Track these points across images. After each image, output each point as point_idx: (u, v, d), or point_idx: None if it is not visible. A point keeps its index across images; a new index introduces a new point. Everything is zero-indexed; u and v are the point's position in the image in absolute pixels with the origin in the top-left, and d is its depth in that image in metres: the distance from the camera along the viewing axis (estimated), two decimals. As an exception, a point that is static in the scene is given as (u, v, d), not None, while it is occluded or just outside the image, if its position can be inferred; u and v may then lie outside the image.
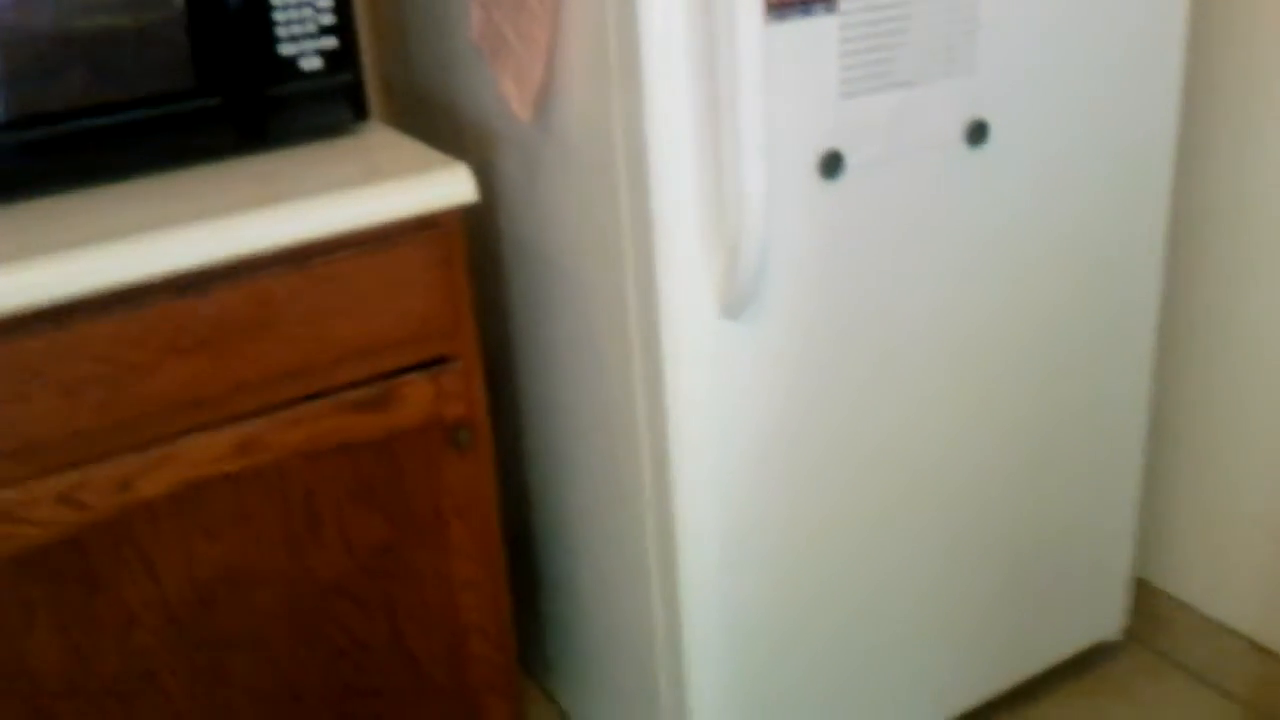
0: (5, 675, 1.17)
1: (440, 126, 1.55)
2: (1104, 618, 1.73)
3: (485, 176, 1.47)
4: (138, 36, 1.22)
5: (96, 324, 1.11)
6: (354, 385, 1.26)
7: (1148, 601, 1.81)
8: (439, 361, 1.30)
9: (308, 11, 1.28)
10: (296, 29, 1.28)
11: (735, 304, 1.20)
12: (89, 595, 1.20)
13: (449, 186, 1.24)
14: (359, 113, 1.34)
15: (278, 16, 1.27)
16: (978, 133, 1.30)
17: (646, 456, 1.31)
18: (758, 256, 1.16)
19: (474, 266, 1.47)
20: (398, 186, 1.22)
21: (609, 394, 1.34)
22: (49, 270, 1.08)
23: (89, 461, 1.15)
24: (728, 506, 1.31)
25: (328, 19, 1.29)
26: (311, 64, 1.30)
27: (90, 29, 1.20)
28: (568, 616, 1.62)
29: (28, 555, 1.15)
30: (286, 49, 1.28)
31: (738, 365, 1.25)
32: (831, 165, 1.22)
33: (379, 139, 1.36)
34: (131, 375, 1.14)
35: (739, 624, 1.37)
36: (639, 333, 1.24)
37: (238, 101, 1.27)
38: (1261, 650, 1.67)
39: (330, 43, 1.30)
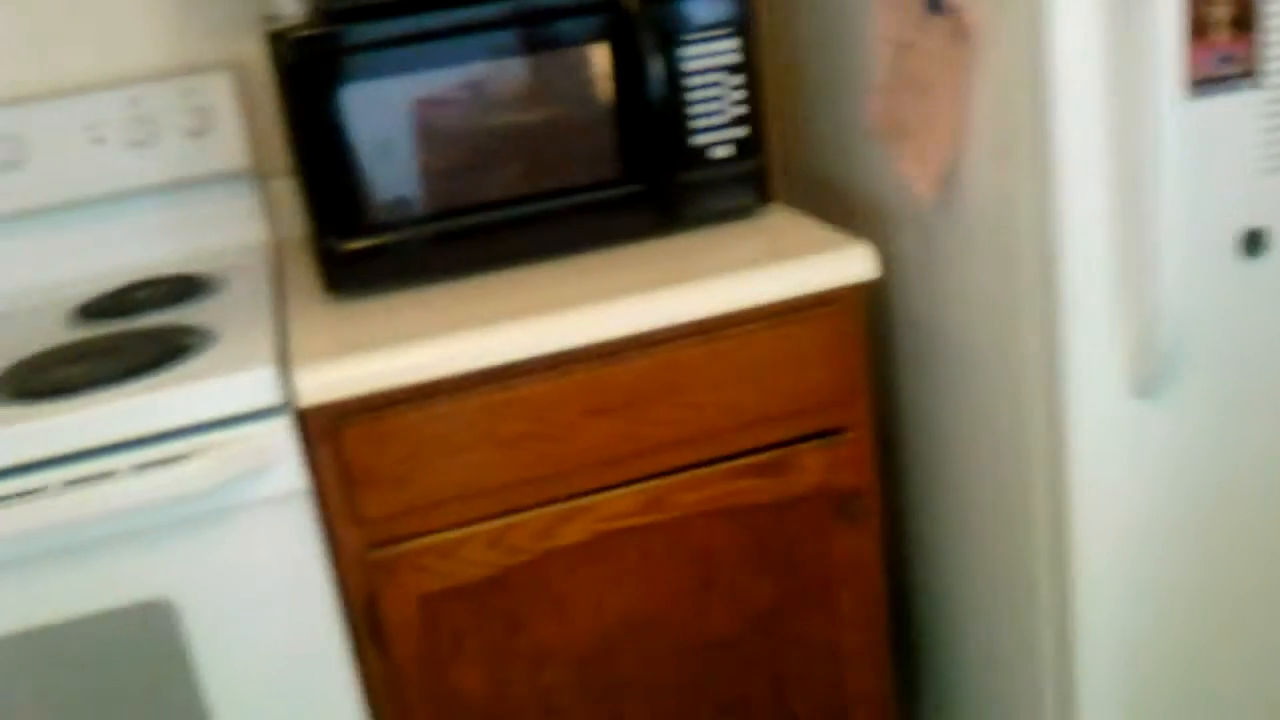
0: (432, 694, 1.32)
1: (836, 207, 1.61)
2: None
3: (881, 255, 1.51)
4: (571, 130, 1.37)
5: (531, 386, 1.25)
6: (753, 451, 1.33)
7: None
8: (834, 432, 1.35)
9: (722, 104, 1.38)
10: (711, 120, 1.39)
11: (1148, 383, 1.17)
12: (509, 631, 1.32)
13: (850, 265, 1.30)
14: (763, 196, 1.43)
15: (694, 110, 1.38)
16: None
17: (1044, 544, 1.28)
18: (1172, 335, 1.13)
19: (869, 343, 1.51)
20: (800, 265, 1.29)
21: (1004, 473, 1.33)
22: (494, 338, 1.22)
23: (518, 510, 1.28)
24: (1132, 606, 1.26)
25: (739, 110, 1.39)
26: (722, 152, 1.40)
27: (530, 123, 1.36)
28: (949, 696, 1.60)
29: (461, 590, 1.29)
30: (700, 139, 1.39)
31: (1146, 446, 1.21)
32: (1253, 243, 1.17)
33: (782, 220, 1.43)
34: (557, 433, 1.27)
35: (1135, 721, 1.30)
36: (1042, 412, 1.23)
37: (656, 188, 1.39)
38: None
39: (740, 132, 1.40)
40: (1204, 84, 1.11)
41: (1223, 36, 1.11)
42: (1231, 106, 1.13)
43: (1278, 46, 1.12)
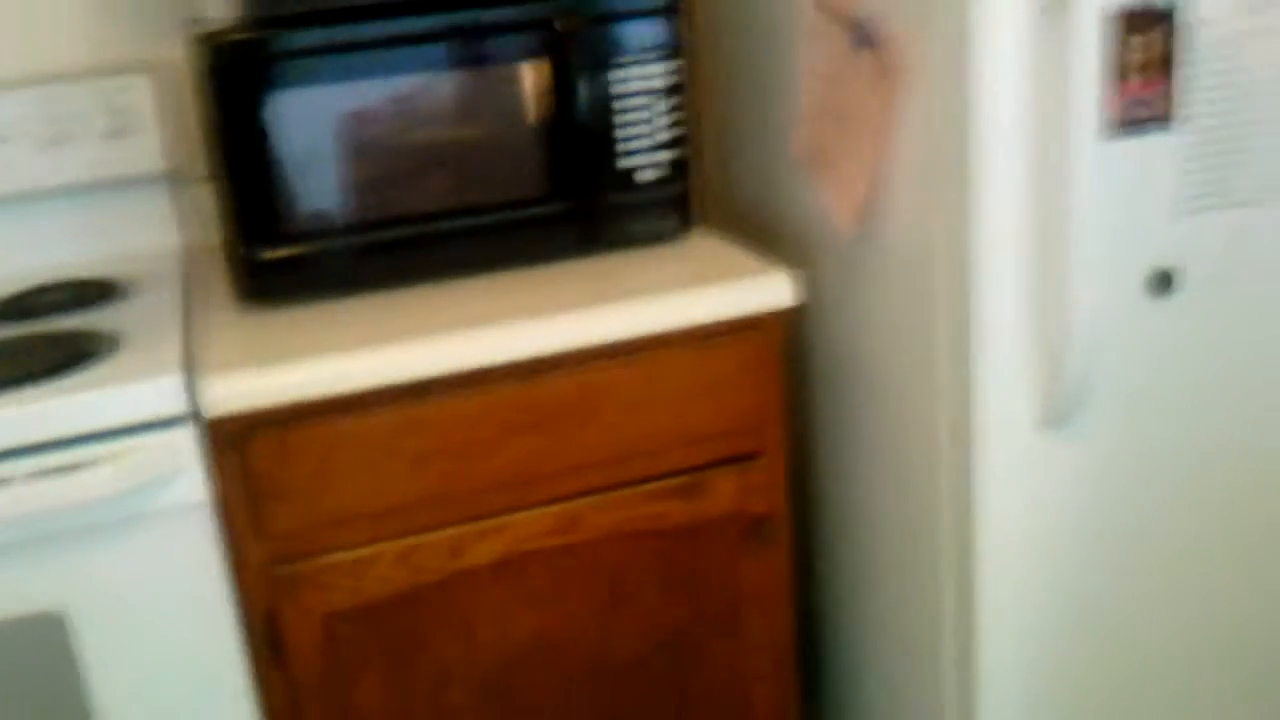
0: (333, 713, 1.29)
1: (761, 234, 1.62)
2: None
3: (802, 283, 1.52)
4: (500, 147, 1.36)
5: (447, 403, 1.23)
6: (668, 475, 1.32)
7: None
8: (747, 457, 1.35)
9: (651, 128, 1.39)
10: (639, 143, 1.39)
11: (1056, 416, 1.19)
12: (414, 651, 1.30)
13: (771, 292, 1.30)
14: (689, 220, 1.43)
15: (623, 132, 1.38)
16: (1322, 257, 1.25)
17: (950, 574, 1.30)
18: (1083, 369, 1.15)
19: (786, 369, 1.51)
20: (722, 290, 1.29)
21: (912, 500, 1.34)
22: (408, 353, 1.21)
23: (427, 528, 1.26)
24: (1032, 629, 1.28)
25: (668, 134, 1.39)
26: (650, 175, 1.40)
27: (460, 138, 1.35)
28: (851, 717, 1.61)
29: (367, 609, 1.26)
30: (627, 161, 1.39)
31: (1051, 478, 1.23)
32: (1163, 283, 1.20)
33: (706, 245, 1.44)
34: (472, 451, 1.25)
35: (1037, 753, 1.32)
36: (949, 440, 1.25)
37: (582, 207, 1.38)
38: None
39: (668, 156, 1.40)
40: (1122, 126, 1.14)
41: (1140, 81, 1.14)
42: (1147, 149, 1.16)
43: (1192, 93, 1.16)
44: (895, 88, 1.22)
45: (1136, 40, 1.13)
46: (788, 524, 1.39)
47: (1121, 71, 1.13)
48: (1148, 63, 1.14)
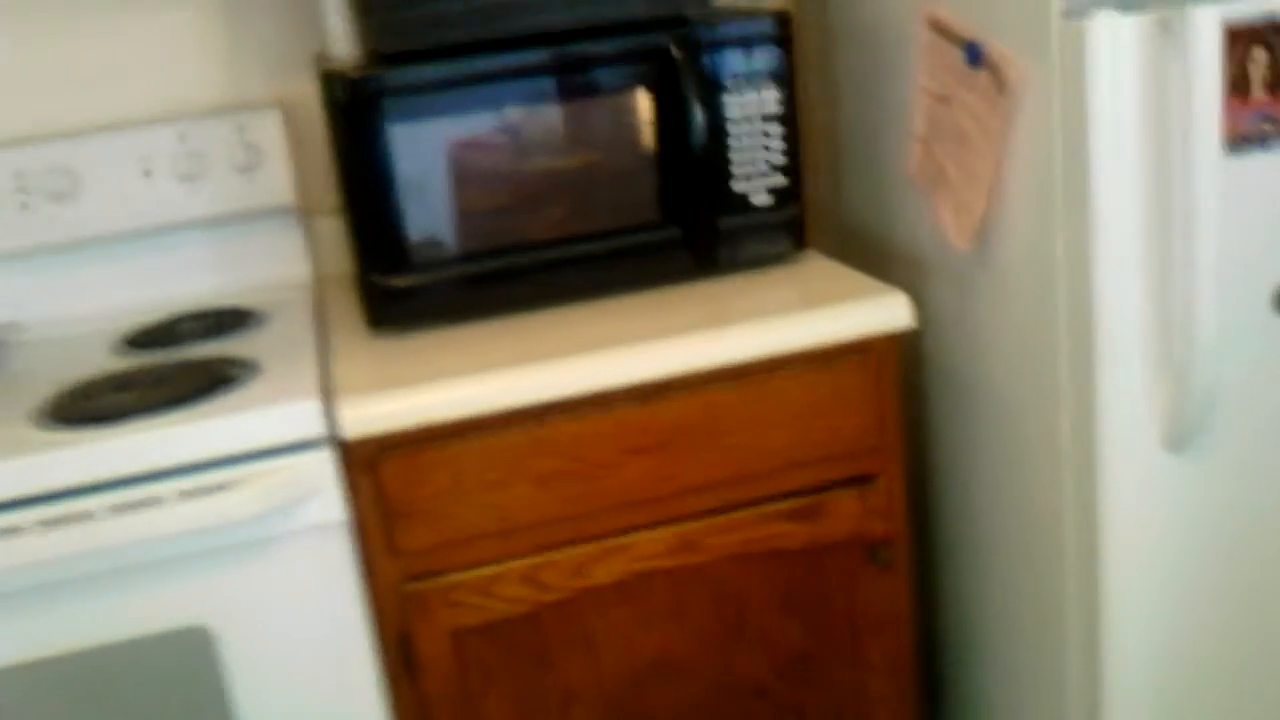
0: (462, 732, 1.33)
1: (873, 256, 1.63)
2: None
3: (916, 304, 1.52)
4: (611, 174, 1.39)
5: (568, 425, 1.26)
6: (785, 496, 1.34)
7: None
8: (865, 479, 1.35)
9: (761, 153, 1.41)
10: (750, 169, 1.41)
11: (1180, 436, 1.17)
12: (540, 669, 1.33)
13: (886, 313, 1.31)
14: (800, 243, 1.45)
15: (734, 157, 1.40)
16: None
17: (1074, 597, 1.29)
18: (1208, 389, 1.13)
19: (902, 390, 1.52)
20: (836, 312, 1.31)
21: (1035, 524, 1.33)
22: (532, 376, 1.24)
23: (552, 547, 1.29)
24: (1159, 652, 1.26)
25: (779, 158, 1.41)
26: (761, 199, 1.42)
27: (571, 167, 1.38)
28: (972, 749, 1.60)
29: (494, 626, 1.30)
30: (740, 186, 1.41)
31: (1178, 499, 1.22)
32: (1289, 300, 1.18)
33: (818, 267, 1.45)
34: (594, 472, 1.28)
35: (1165, 778, 1.30)
36: (1072, 462, 1.24)
37: (694, 232, 1.41)
38: None
39: (779, 180, 1.42)
40: (1246, 140, 1.13)
41: (1266, 96, 1.13)
42: (1269, 164, 1.15)
43: (1316, 107, 1.14)
44: (1010, 105, 1.23)
45: (1260, 54, 1.12)
46: (907, 546, 1.40)
47: (1244, 86, 1.12)
48: (1269, 78, 1.13)
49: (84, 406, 1.25)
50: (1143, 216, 1.14)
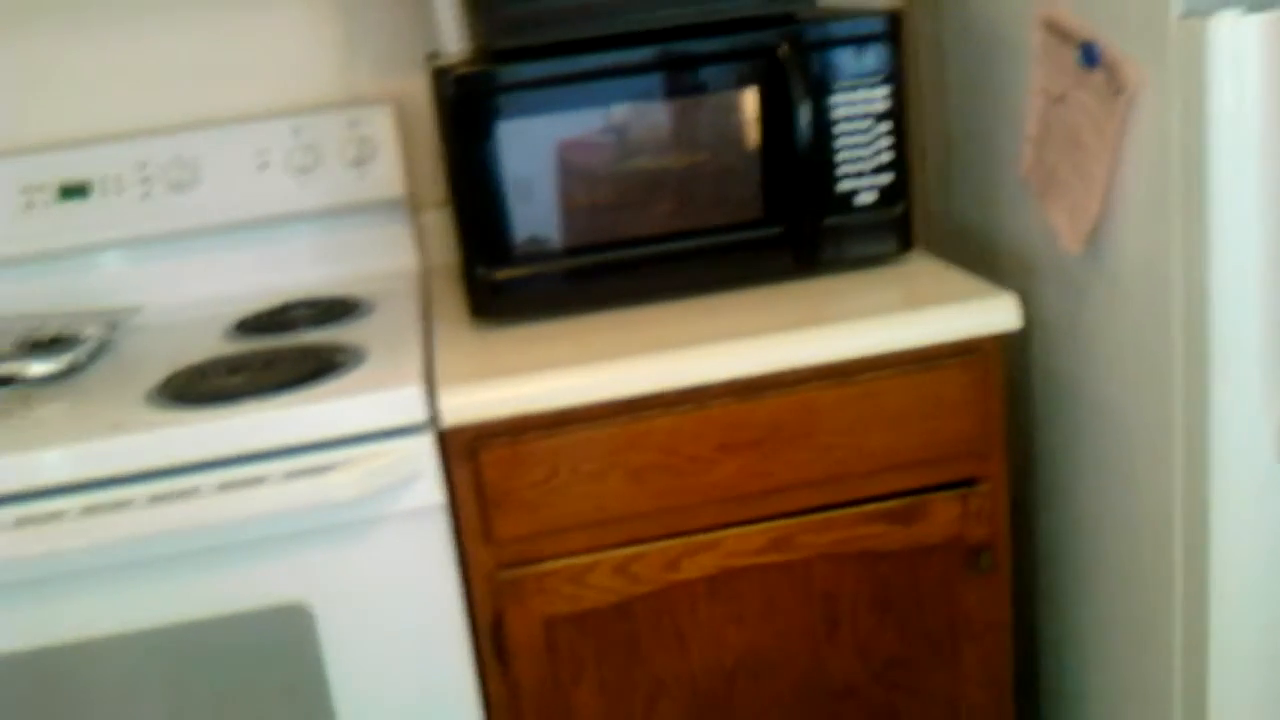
0: (550, 716, 1.33)
1: (978, 256, 1.61)
2: None
3: (1024, 306, 1.49)
4: (715, 172, 1.39)
5: (665, 419, 1.27)
6: (883, 497, 1.32)
7: None
8: (967, 483, 1.33)
9: (867, 151, 1.39)
10: (856, 166, 1.40)
11: (1299, 450, 1.13)
12: (629, 660, 1.33)
13: (992, 315, 1.29)
14: (906, 243, 1.43)
15: (840, 156, 1.39)
16: None
17: (1180, 612, 1.25)
18: (1328, 403, 1.09)
19: (1006, 394, 1.50)
20: (941, 313, 1.29)
21: (1142, 534, 1.29)
22: (629, 370, 1.25)
23: (645, 540, 1.30)
24: (1268, 670, 1.21)
25: (885, 157, 1.40)
26: (866, 198, 1.41)
27: (676, 164, 1.39)
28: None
29: (585, 616, 1.31)
30: (845, 185, 1.40)
31: (1295, 515, 1.18)
32: None
33: (923, 267, 1.43)
34: (689, 467, 1.28)
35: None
36: (1183, 472, 1.20)
37: (798, 231, 1.40)
38: None
39: (885, 179, 1.41)
40: (1373, 148, 1.08)
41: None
42: (1402, 170, 1.10)
43: None
44: (1125, 107, 1.19)
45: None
46: (1008, 553, 1.37)
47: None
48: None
49: (196, 387, 1.29)
50: (1263, 223, 1.10)
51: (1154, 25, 1.13)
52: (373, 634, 1.27)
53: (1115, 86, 1.21)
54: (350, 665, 1.27)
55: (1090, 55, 1.24)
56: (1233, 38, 1.07)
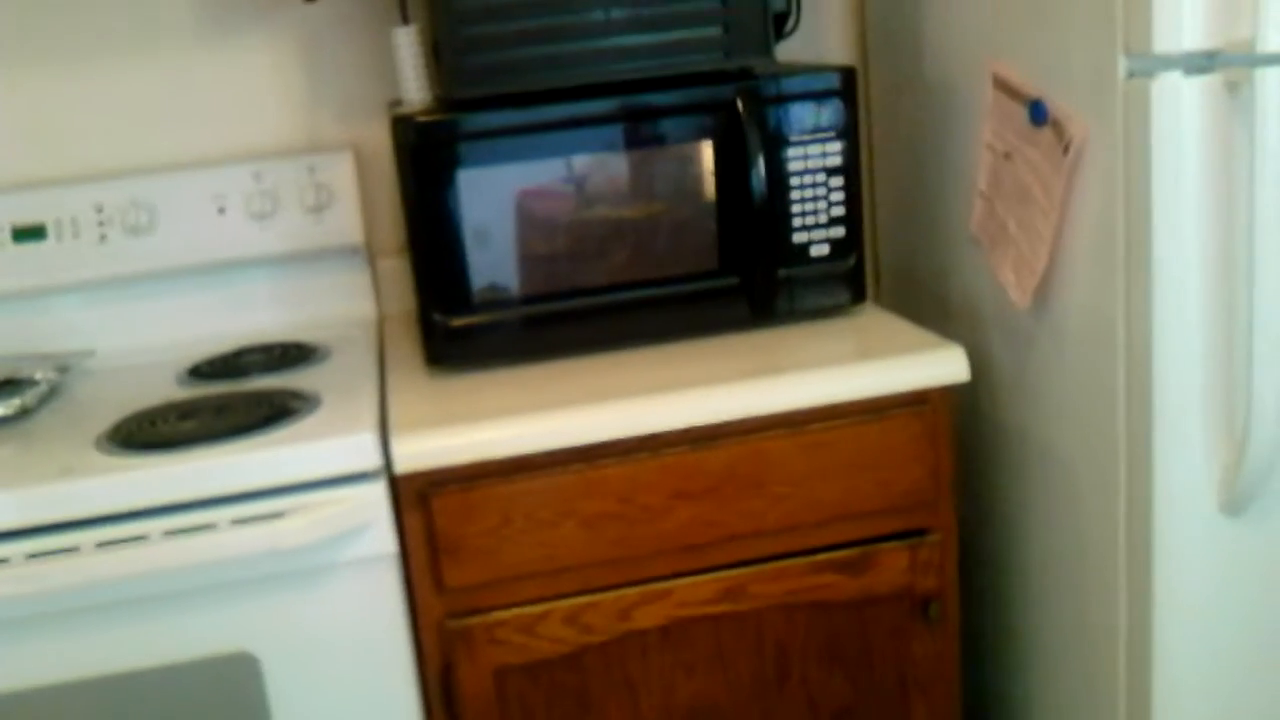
0: (502, 774, 1.32)
1: (929, 308, 1.63)
2: None
3: (972, 358, 1.51)
4: (672, 223, 1.41)
5: (618, 468, 1.27)
6: (834, 547, 1.33)
7: None
8: (917, 533, 1.34)
9: (821, 204, 1.42)
10: (809, 219, 1.42)
11: (1239, 500, 1.15)
12: (580, 711, 1.32)
13: (941, 366, 1.31)
14: (858, 294, 1.45)
15: (795, 209, 1.41)
16: None
17: (1124, 662, 1.26)
18: (1268, 453, 1.11)
19: (955, 444, 1.51)
20: (891, 364, 1.30)
21: (1087, 582, 1.30)
22: (583, 417, 1.25)
23: (597, 589, 1.29)
24: (1213, 715, 1.23)
25: (838, 210, 1.42)
26: (820, 250, 1.43)
27: (633, 214, 1.40)
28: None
29: (536, 666, 1.30)
30: (799, 237, 1.42)
31: (1235, 564, 1.19)
32: (1356, 367, 1.15)
33: (875, 319, 1.45)
34: (642, 515, 1.28)
35: None
36: (1127, 522, 1.22)
37: (752, 282, 1.42)
38: None
39: (838, 232, 1.43)
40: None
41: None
42: (1337, 230, 1.13)
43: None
44: (1071, 164, 1.22)
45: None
46: (957, 603, 1.37)
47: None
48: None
49: (146, 433, 1.28)
50: (1205, 278, 1.13)
51: (1101, 85, 1.17)
52: (320, 684, 1.25)
53: (1062, 144, 1.23)
54: (296, 716, 1.25)
55: (1038, 113, 1.27)
56: (1175, 98, 1.10)
